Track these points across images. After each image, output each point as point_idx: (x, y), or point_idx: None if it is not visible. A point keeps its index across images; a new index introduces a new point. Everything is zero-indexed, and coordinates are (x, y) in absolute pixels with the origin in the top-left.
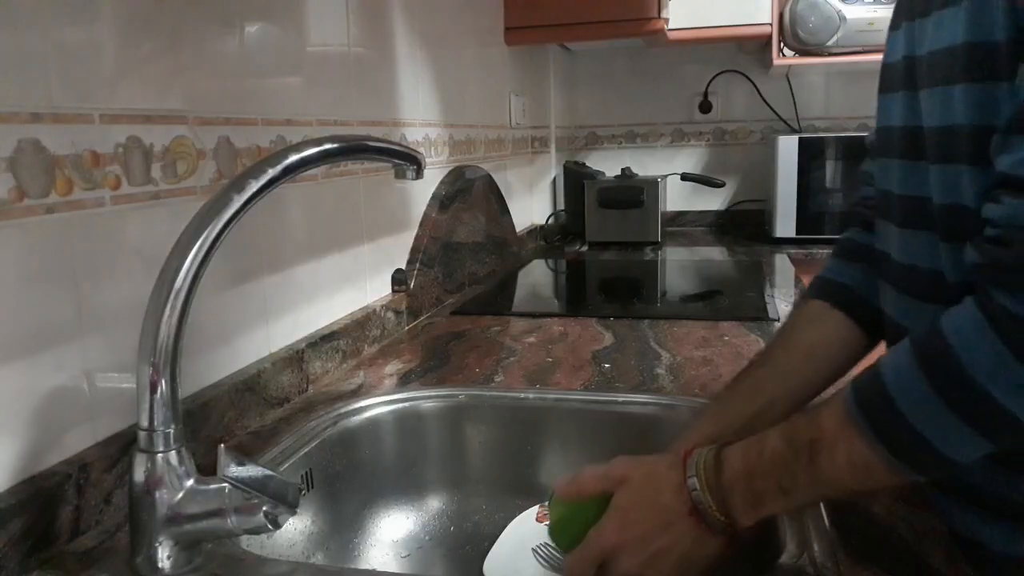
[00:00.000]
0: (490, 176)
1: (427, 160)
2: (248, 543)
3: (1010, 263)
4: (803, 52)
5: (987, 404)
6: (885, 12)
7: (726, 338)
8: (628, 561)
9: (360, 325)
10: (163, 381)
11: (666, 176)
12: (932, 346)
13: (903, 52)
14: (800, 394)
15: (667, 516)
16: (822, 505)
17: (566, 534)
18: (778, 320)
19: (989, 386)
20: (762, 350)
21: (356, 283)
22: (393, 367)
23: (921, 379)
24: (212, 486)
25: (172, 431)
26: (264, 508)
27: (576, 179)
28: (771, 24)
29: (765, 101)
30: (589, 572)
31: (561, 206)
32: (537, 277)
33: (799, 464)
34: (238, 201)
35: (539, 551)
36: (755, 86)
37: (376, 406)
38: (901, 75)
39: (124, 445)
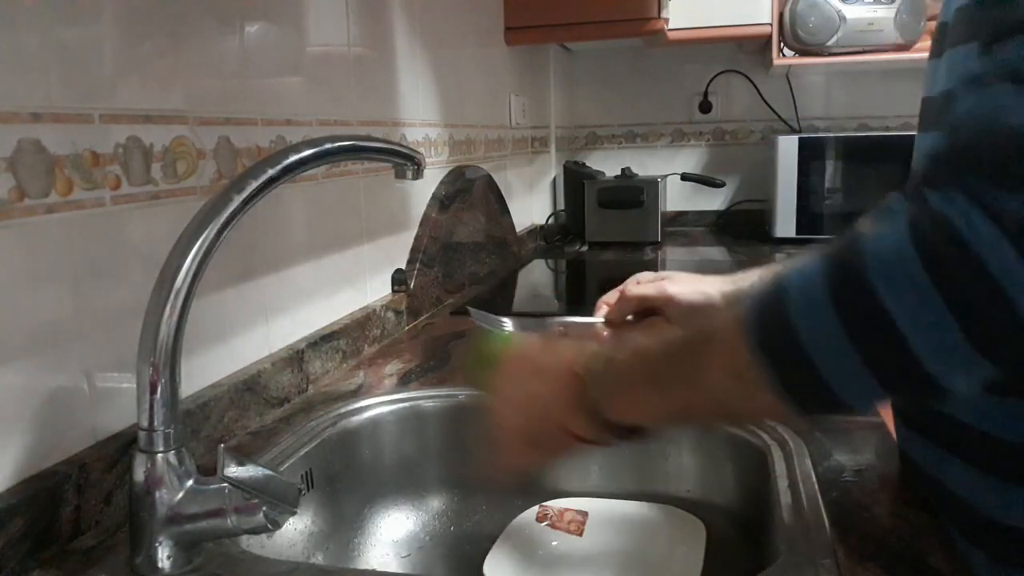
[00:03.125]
0: (490, 176)
1: (427, 160)
2: (248, 543)
3: (943, 154)
4: (803, 52)
5: (877, 315)
6: (885, 12)
7: None
8: (505, 388)
9: (360, 325)
10: (163, 381)
11: (666, 176)
12: (845, 239)
13: (940, 19)
14: None
15: (554, 365)
16: (822, 505)
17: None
18: None
19: (880, 286)
20: None
21: (356, 283)
22: (393, 367)
23: (818, 276)
24: (212, 486)
25: (172, 431)
26: (264, 508)
27: (576, 179)
28: (771, 24)
29: (765, 101)
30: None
31: (561, 206)
32: (537, 277)
33: (684, 356)
34: (238, 201)
35: None
36: (755, 86)
37: (376, 406)
38: (935, 42)
39: (124, 445)
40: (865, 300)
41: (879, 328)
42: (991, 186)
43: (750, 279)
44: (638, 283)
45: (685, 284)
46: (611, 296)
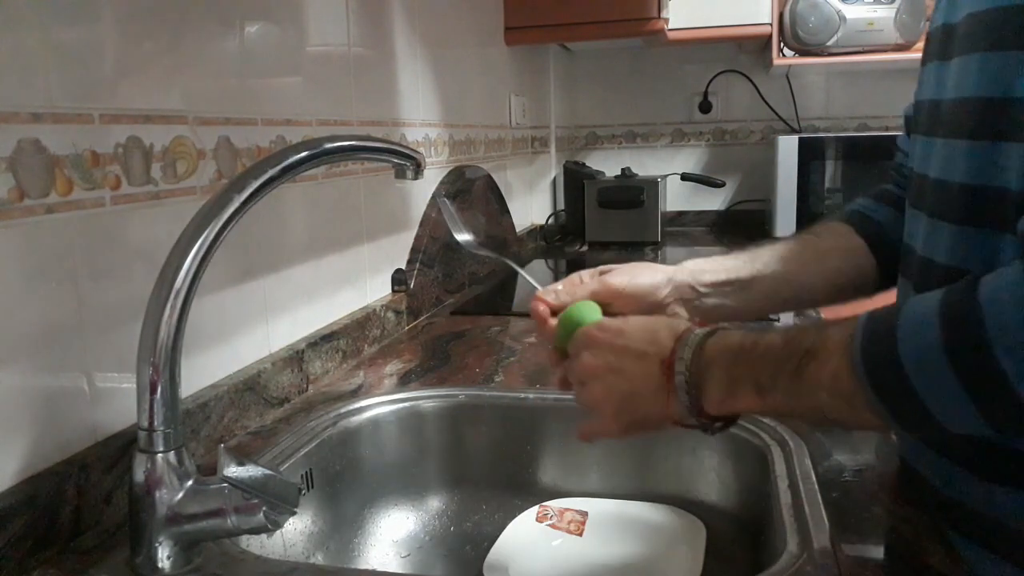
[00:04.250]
0: (490, 176)
1: (427, 160)
2: (248, 543)
3: None
4: (803, 52)
5: (993, 376)
6: (885, 12)
7: None
8: (590, 359)
9: (360, 325)
10: (163, 381)
11: (666, 176)
12: (961, 301)
13: (941, 20)
14: (796, 286)
15: (647, 349)
16: (822, 505)
17: (562, 326)
18: (778, 320)
19: (1003, 358)
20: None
21: (356, 283)
22: (393, 367)
23: (934, 329)
24: (212, 486)
25: (172, 431)
26: (264, 508)
27: (576, 179)
28: (771, 24)
29: (765, 101)
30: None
31: (561, 206)
32: (537, 277)
33: (787, 365)
34: (238, 201)
35: None
36: (755, 86)
37: (376, 406)
38: (938, 43)
39: (124, 445)
40: (983, 360)
41: (994, 382)
42: None
43: (696, 265)
44: (581, 281)
45: (625, 274)
46: (548, 295)
